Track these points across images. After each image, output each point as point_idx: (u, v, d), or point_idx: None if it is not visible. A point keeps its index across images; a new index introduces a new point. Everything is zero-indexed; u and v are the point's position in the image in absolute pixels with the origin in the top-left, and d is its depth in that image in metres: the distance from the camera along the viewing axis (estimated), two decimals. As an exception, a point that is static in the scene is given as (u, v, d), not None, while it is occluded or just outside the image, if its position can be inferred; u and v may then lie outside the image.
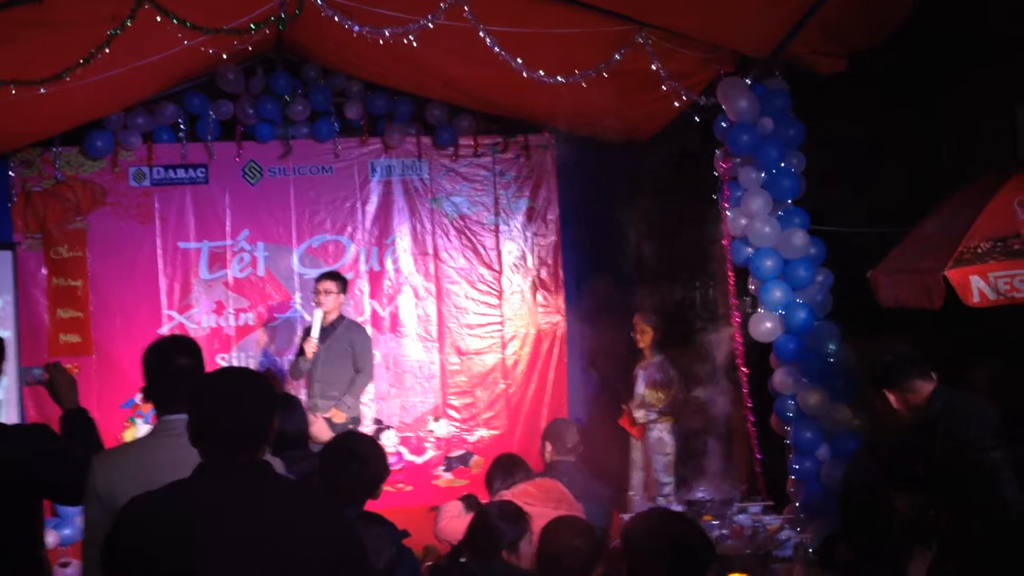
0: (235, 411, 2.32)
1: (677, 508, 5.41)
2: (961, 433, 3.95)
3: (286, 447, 3.85)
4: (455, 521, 4.40)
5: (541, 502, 4.17)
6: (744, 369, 6.17)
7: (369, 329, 8.03)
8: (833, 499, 5.10)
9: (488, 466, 4.87)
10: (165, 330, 7.74)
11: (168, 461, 2.49)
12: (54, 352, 7.48)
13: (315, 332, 6.70)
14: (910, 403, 4.15)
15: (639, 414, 7.01)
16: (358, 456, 3.39)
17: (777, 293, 5.89)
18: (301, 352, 6.79)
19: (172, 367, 2.91)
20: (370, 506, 3.46)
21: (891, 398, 4.20)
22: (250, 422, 2.34)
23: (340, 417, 6.74)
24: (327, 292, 6.76)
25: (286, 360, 7.73)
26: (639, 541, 2.86)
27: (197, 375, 2.90)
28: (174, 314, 7.82)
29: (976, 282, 4.43)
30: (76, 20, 5.29)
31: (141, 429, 7.59)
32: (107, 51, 5.30)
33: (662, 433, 6.94)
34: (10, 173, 7.55)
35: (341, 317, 6.98)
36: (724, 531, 5.06)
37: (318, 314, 6.72)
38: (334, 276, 6.92)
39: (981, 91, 5.42)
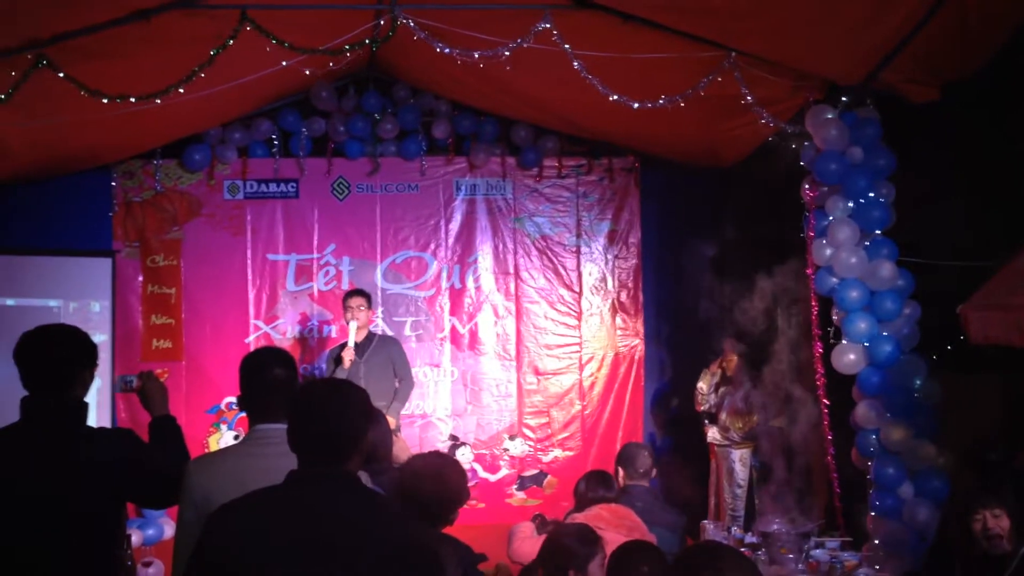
0: (328, 422, 2.39)
1: (751, 539, 5.34)
2: None
3: (369, 460, 3.89)
4: (528, 542, 4.42)
5: (613, 527, 4.15)
6: (825, 401, 6.06)
7: (448, 346, 8.15)
8: (914, 537, 4.96)
9: (583, 476, 4.80)
10: (251, 340, 7.97)
11: (262, 469, 2.56)
12: (147, 357, 7.77)
13: (351, 342, 6.86)
14: None
15: (711, 432, 6.98)
16: (440, 477, 3.34)
17: (862, 325, 5.77)
18: (338, 362, 6.93)
19: (268, 378, 2.97)
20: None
21: None
22: (342, 434, 2.40)
23: (392, 424, 6.87)
24: (359, 307, 6.92)
25: (317, 371, 7.86)
26: None
27: (292, 386, 2.98)
28: (260, 324, 8.04)
29: (1070, 321, 4.29)
30: (180, 38, 5.53)
31: (225, 435, 7.81)
32: (209, 69, 5.51)
33: (737, 462, 6.85)
34: (112, 184, 7.89)
35: (371, 333, 7.13)
36: (800, 566, 4.96)
37: (353, 326, 6.87)
38: (362, 293, 7.08)
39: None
